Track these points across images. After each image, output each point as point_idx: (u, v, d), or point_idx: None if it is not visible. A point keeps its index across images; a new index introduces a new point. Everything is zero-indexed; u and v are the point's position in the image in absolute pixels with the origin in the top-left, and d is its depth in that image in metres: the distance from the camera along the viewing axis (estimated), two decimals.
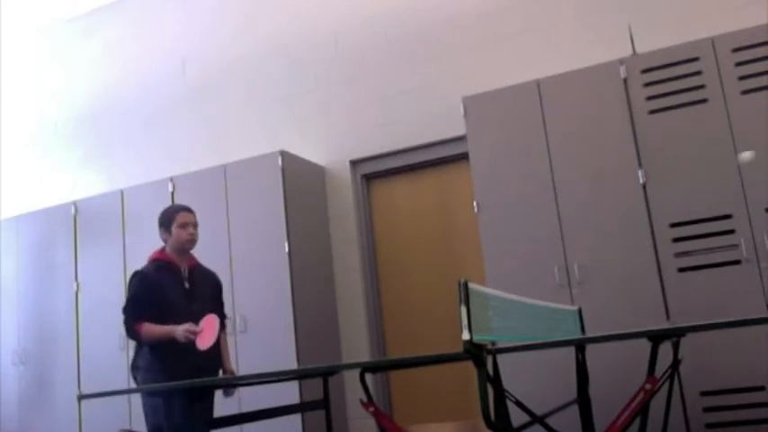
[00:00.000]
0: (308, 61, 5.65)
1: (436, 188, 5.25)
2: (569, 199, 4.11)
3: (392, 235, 5.34)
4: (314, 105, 5.57)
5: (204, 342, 3.23)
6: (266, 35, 5.87)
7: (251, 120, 5.80)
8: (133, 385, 3.44)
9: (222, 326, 3.62)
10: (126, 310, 3.37)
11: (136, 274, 3.44)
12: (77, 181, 6.45)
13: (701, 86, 3.91)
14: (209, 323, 3.29)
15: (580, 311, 3.63)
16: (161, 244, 3.56)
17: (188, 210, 3.55)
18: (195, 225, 3.53)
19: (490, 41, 5.04)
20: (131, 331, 3.33)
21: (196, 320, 3.34)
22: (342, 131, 5.45)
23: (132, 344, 3.48)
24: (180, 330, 3.22)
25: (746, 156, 3.61)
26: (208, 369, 3.39)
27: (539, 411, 2.95)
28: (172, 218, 3.48)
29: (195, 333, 3.23)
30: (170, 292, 3.40)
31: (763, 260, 3.67)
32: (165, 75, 6.25)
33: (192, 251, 3.57)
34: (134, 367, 3.41)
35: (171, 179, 5.28)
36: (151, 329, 3.29)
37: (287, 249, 4.79)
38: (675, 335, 2.85)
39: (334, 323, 5.18)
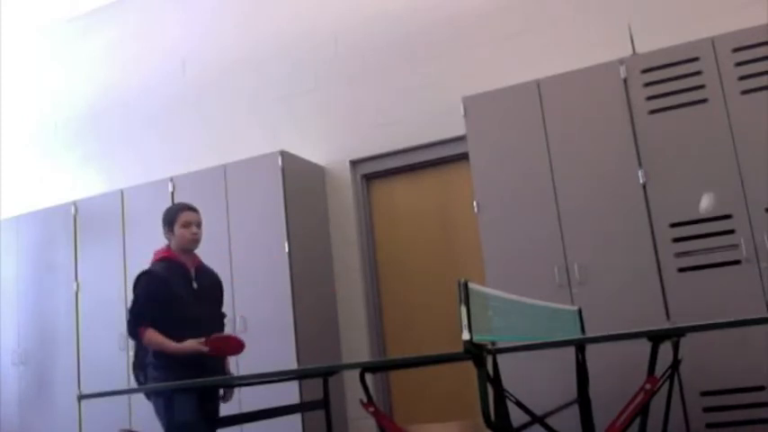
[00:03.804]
0: (308, 61, 5.65)
1: (436, 188, 5.25)
2: (569, 199, 4.11)
3: (392, 235, 5.34)
4: (314, 105, 5.56)
5: (227, 351, 3.29)
6: (266, 35, 5.87)
7: (251, 120, 5.80)
8: (134, 385, 3.42)
9: (221, 325, 3.62)
10: (132, 310, 3.31)
11: (144, 273, 3.38)
12: (77, 181, 6.45)
13: (701, 86, 3.91)
14: (234, 343, 3.30)
15: (580, 311, 3.63)
16: (161, 243, 3.54)
17: (191, 208, 3.50)
18: (199, 224, 3.48)
19: (490, 41, 5.04)
20: (134, 333, 3.29)
21: (205, 322, 3.35)
22: (342, 131, 5.44)
23: (133, 343, 3.46)
24: (189, 349, 3.19)
25: None
26: (213, 368, 3.38)
27: (539, 411, 2.95)
28: (175, 217, 3.43)
29: (206, 352, 3.21)
30: (180, 292, 3.35)
31: (763, 260, 3.67)
32: (165, 75, 6.25)
33: (195, 251, 3.53)
34: (139, 366, 3.36)
35: (171, 179, 5.28)
36: (153, 337, 3.22)
37: (287, 249, 4.78)
38: (675, 335, 2.85)
39: (334, 323, 5.18)
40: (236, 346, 3.30)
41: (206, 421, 3.09)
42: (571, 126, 4.17)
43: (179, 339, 3.22)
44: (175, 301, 3.32)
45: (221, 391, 3.48)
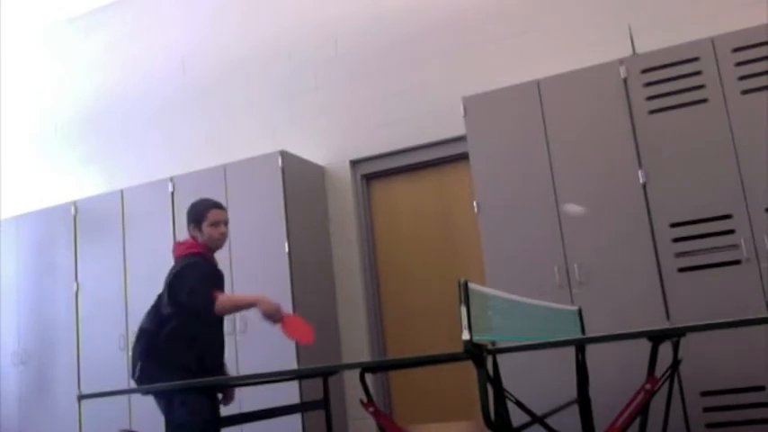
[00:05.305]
0: (308, 61, 5.65)
1: (436, 188, 5.25)
2: (569, 199, 4.11)
3: (392, 235, 5.34)
4: (314, 105, 5.57)
5: (302, 336, 3.20)
6: (266, 35, 5.87)
7: (251, 120, 5.80)
8: (134, 384, 3.40)
9: None
10: (195, 287, 3.15)
11: (195, 264, 3.26)
12: (77, 181, 6.46)
13: (701, 86, 3.91)
14: (307, 328, 3.23)
15: (580, 311, 3.63)
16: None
17: (219, 206, 3.41)
18: (227, 222, 3.40)
19: (490, 41, 5.04)
20: (205, 303, 3.12)
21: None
22: (342, 131, 5.45)
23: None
24: (267, 302, 3.12)
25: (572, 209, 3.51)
26: (218, 369, 3.38)
27: (539, 411, 2.95)
28: (203, 215, 3.34)
29: (282, 319, 3.14)
30: (219, 289, 3.33)
31: (763, 260, 3.66)
32: (165, 75, 6.25)
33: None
34: (143, 378, 3.23)
35: (171, 179, 5.28)
36: (228, 298, 3.15)
37: (287, 249, 4.78)
38: (675, 335, 2.85)
39: (334, 323, 5.18)
40: (307, 331, 3.23)
41: (220, 420, 3.11)
42: (571, 126, 4.17)
43: (213, 339, 3.24)
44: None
45: (219, 396, 3.46)
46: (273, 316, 3.16)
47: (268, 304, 3.15)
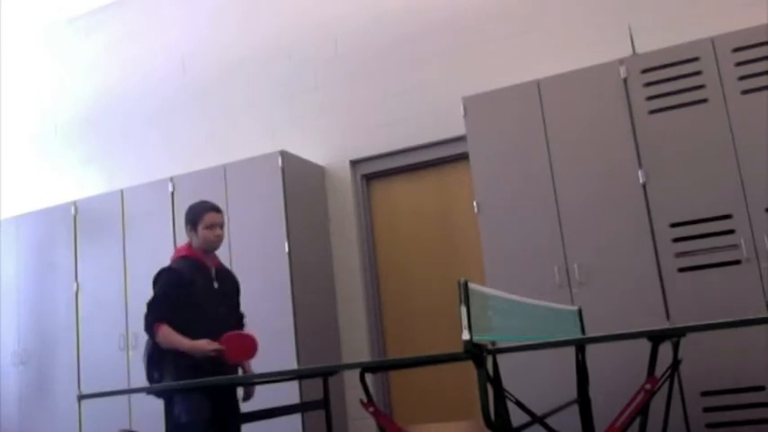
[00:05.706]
0: (308, 61, 5.65)
1: (436, 188, 5.25)
2: (569, 199, 4.11)
3: (392, 235, 5.34)
4: (314, 105, 5.57)
5: (243, 355, 3.24)
6: (266, 35, 5.87)
7: (251, 120, 5.80)
8: (134, 385, 3.42)
9: (242, 324, 3.62)
10: (150, 306, 3.27)
11: (165, 270, 3.35)
12: (77, 181, 6.45)
13: (701, 86, 3.91)
14: (248, 341, 3.26)
15: (580, 311, 3.63)
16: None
17: (216, 209, 3.47)
18: (222, 225, 3.47)
19: (490, 41, 5.04)
20: (149, 329, 3.24)
21: (224, 322, 3.35)
22: (342, 131, 5.45)
23: (140, 342, 3.43)
24: (204, 348, 3.16)
25: None
26: (232, 367, 3.39)
27: (539, 411, 2.94)
28: (199, 218, 3.41)
29: (221, 351, 3.18)
30: (202, 292, 3.35)
31: (763, 260, 3.66)
32: (165, 75, 6.25)
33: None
34: (155, 364, 3.30)
35: (171, 179, 5.28)
36: (169, 336, 3.19)
37: (287, 249, 4.78)
38: (675, 335, 2.85)
39: (335, 323, 5.18)
40: (251, 344, 3.28)
41: (228, 418, 3.14)
42: (571, 126, 4.17)
43: (196, 339, 3.21)
44: (197, 301, 3.31)
45: (240, 392, 3.49)
46: (210, 355, 3.19)
47: (201, 352, 3.18)
